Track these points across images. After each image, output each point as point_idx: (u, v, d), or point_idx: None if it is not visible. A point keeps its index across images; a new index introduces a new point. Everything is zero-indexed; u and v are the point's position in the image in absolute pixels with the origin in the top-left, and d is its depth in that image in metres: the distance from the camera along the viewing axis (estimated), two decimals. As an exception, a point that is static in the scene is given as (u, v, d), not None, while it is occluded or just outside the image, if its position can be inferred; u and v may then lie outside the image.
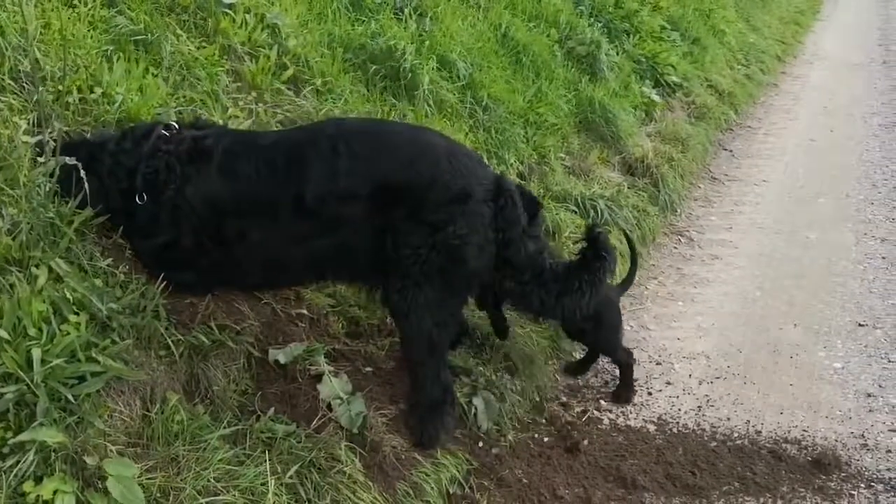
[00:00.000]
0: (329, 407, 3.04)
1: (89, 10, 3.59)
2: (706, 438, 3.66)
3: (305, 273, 3.15)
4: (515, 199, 3.05)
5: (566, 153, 5.88)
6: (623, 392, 3.90)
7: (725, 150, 8.30)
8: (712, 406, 3.91)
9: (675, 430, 3.72)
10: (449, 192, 2.94)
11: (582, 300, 3.20)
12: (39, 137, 2.76)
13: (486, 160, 4.93)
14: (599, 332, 3.81)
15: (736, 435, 3.70)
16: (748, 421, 3.80)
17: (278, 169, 2.89)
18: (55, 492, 2.30)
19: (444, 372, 3.21)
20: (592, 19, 7.67)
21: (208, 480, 2.59)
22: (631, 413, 3.82)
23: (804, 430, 3.72)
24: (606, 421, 3.73)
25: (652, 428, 3.72)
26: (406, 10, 5.35)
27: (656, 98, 7.75)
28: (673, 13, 10.01)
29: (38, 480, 2.32)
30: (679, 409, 3.87)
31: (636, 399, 3.91)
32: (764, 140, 8.75)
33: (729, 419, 3.82)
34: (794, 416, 3.82)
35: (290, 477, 2.74)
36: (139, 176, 2.88)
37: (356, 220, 2.93)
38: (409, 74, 4.76)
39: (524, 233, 3.10)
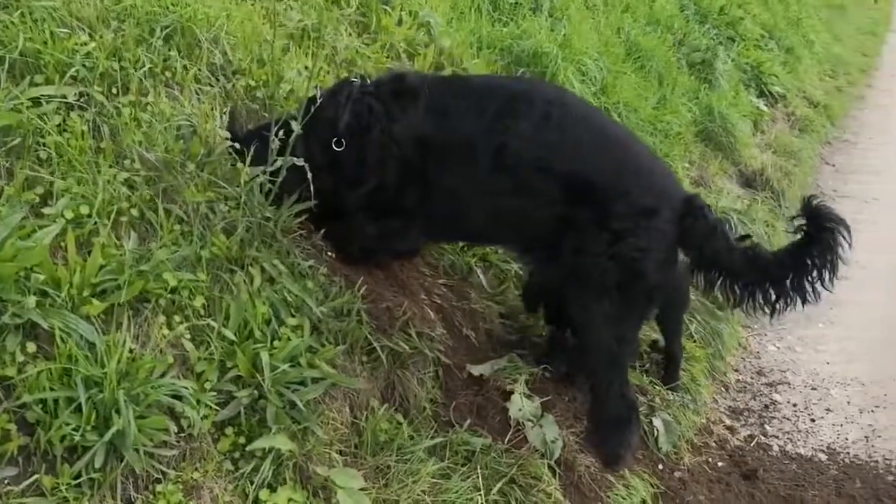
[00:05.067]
0: (519, 423, 2.96)
1: (263, 4, 3.54)
2: (882, 471, 3.52)
3: (482, 231, 3.10)
4: (706, 214, 2.95)
5: (689, 163, 5.75)
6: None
7: (828, 164, 8.09)
8: (879, 437, 3.77)
9: (846, 460, 3.59)
10: (638, 205, 2.87)
11: (822, 278, 2.93)
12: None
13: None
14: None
15: (912, 469, 3.57)
16: (922, 455, 3.67)
17: (487, 113, 2.82)
18: (288, 500, 2.25)
19: (626, 388, 3.09)
20: (707, 26, 7.52)
21: (418, 494, 2.52)
22: (798, 440, 3.69)
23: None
24: (776, 447, 3.61)
25: (823, 457, 3.59)
26: (542, 11, 5.25)
27: (763, 108, 7.59)
28: (766, 20, 9.81)
29: (270, 488, 2.27)
30: (846, 439, 3.74)
31: (801, 426, 3.79)
32: (864, 155, 8.53)
33: (902, 451, 3.68)
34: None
35: (494, 494, 2.66)
36: (341, 123, 2.81)
37: (543, 196, 2.86)
38: (553, 78, 4.66)
39: (726, 240, 2.97)
